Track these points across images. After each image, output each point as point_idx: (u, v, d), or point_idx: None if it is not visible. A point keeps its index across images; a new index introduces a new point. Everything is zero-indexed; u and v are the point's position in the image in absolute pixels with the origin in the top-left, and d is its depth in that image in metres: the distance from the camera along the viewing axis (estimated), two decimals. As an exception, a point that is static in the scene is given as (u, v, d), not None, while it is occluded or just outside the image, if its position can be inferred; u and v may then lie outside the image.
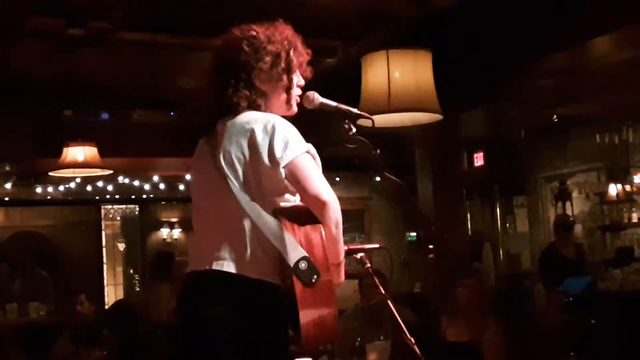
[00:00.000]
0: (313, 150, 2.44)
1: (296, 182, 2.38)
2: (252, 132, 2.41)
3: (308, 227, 2.39)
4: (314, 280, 2.31)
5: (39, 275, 10.79)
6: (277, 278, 2.43)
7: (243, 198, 2.40)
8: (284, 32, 2.63)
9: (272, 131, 2.39)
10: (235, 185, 2.41)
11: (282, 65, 2.58)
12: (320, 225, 2.40)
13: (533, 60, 6.04)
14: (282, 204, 2.44)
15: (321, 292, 2.33)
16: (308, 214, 2.39)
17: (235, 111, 2.51)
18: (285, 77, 2.60)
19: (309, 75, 2.69)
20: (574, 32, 5.49)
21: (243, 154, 2.42)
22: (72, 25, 5.78)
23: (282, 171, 2.37)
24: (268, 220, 2.39)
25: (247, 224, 2.41)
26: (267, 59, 2.55)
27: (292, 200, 2.47)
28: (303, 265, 2.31)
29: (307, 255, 2.33)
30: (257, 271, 2.41)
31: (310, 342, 2.36)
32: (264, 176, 2.39)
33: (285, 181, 2.40)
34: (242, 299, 2.40)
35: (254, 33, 2.58)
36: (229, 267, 2.41)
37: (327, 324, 2.34)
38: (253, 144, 2.40)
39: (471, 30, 6.06)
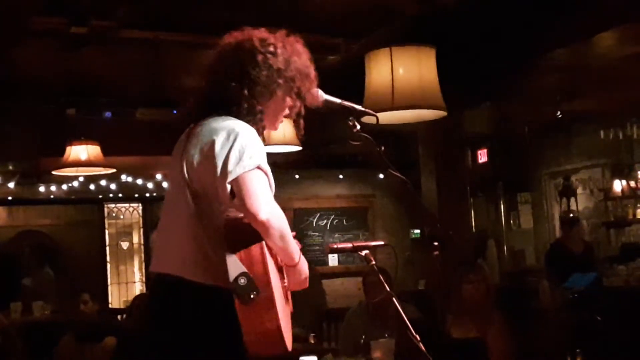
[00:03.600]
0: (265, 166, 2.38)
1: (238, 198, 2.32)
2: (216, 138, 2.37)
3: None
4: (252, 296, 2.28)
5: (44, 274, 10.80)
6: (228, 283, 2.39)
7: (196, 204, 2.41)
8: (303, 55, 2.62)
9: (233, 142, 2.35)
10: (191, 191, 2.42)
11: (294, 90, 2.59)
12: (263, 242, 2.36)
13: (537, 57, 6.02)
14: (233, 215, 2.42)
15: (261, 307, 2.30)
16: (254, 231, 2.34)
17: (220, 112, 2.49)
18: (287, 102, 2.61)
19: (317, 102, 2.68)
20: (577, 28, 5.48)
21: (202, 160, 2.40)
22: (75, 24, 5.77)
23: (228, 185, 2.33)
24: (215, 234, 2.38)
25: (199, 230, 2.40)
26: (279, 81, 2.55)
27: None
28: (242, 281, 2.28)
29: (246, 271, 2.30)
30: (210, 277, 2.38)
31: (255, 353, 2.36)
32: (218, 185, 2.36)
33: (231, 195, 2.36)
34: (194, 305, 2.39)
35: (273, 50, 2.55)
36: (182, 272, 2.40)
37: (270, 336, 2.33)
38: (211, 153, 2.36)
39: (474, 27, 6.04)
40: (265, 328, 2.31)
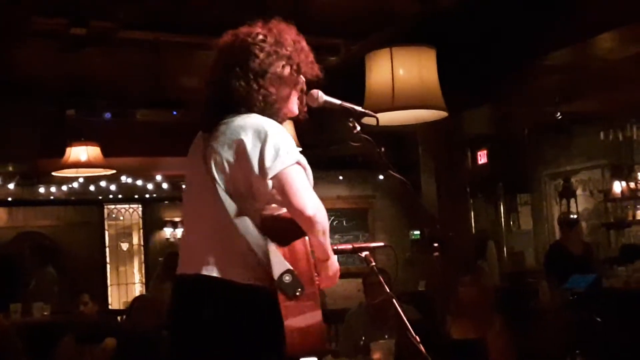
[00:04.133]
0: (303, 161, 2.42)
1: (282, 194, 2.36)
2: (245, 137, 2.39)
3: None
4: (297, 294, 2.31)
5: (47, 274, 10.78)
6: (268, 282, 2.39)
7: (230, 204, 2.40)
8: (289, 32, 2.64)
9: (265, 139, 2.37)
10: (223, 190, 2.41)
11: (294, 67, 2.60)
12: (306, 237, 2.39)
13: (537, 58, 6.02)
14: (269, 213, 2.43)
15: (305, 303, 2.32)
16: (293, 228, 2.37)
17: (240, 110, 2.50)
18: (295, 79, 2.61)
19: (319, 72, 2.69)
20: (578, 29, 5.47)
21: (233, 159, 2.41)
22: (75, 25, 5.77)
23: (269, 182, 2.36)
24: (253, 232, 2.38)
25: (235, 229, 2.39)
26: (280, 63, 2.56)
27: (279, 208, 2.45)
28: (287, 278, 2.31)
29: (291, 268, 2.32)
30: (248, 276, 2.38)
31: (295, 350, 2.35)
32: (254, 184, 2.38)
33: (273, 191, 2.38)
34: (233, 305, 2.39)
35: (263, 37, 2.57)
36: (219, 272, 2.40)
37: (312, 332, 2.35)
38: (244, 151, 2.38)
39: (474, 28, 6.04)
40: (308, 324, 2.33)
